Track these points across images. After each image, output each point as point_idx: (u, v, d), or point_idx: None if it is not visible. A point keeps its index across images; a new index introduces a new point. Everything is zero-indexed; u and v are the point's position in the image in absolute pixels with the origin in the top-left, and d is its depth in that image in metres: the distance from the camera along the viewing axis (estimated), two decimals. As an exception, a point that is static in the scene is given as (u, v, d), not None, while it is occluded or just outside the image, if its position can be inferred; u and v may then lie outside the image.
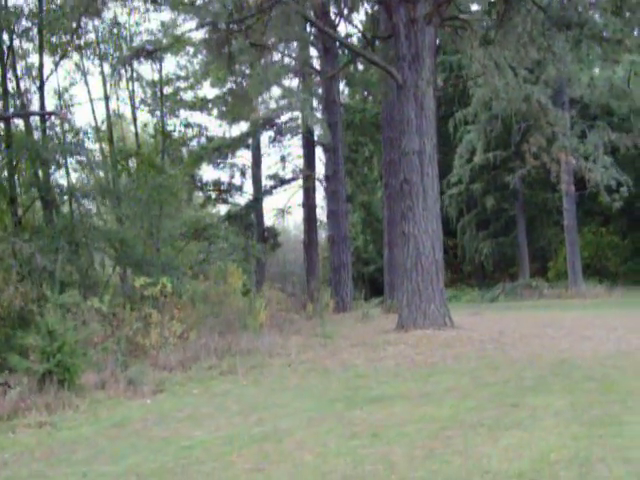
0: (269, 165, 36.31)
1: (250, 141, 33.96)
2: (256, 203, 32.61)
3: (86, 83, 23.62)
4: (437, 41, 15.79)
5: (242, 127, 33.99)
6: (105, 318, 14.67)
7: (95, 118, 25.88)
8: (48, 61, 21.88)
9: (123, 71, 25.41)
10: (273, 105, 26.97)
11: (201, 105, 32.14)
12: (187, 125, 27.55)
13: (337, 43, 24.97)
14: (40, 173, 19.68)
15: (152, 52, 16.41)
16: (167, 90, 30.21)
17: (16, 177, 20.09)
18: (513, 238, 36.79)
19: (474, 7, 18.82)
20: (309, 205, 30.08)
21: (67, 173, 20.75)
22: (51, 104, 24.99)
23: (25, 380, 9.77)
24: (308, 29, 24.24)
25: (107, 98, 25.95)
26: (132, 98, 28.28)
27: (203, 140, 34.65)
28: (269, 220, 36.29)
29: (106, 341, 13.99)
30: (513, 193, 35.88)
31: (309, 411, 7.86)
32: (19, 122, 20.20)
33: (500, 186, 35.48)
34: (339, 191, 25.77)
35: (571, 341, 12.66)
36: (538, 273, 36.86)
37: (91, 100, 26.47)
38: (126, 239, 18.00)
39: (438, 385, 8.97)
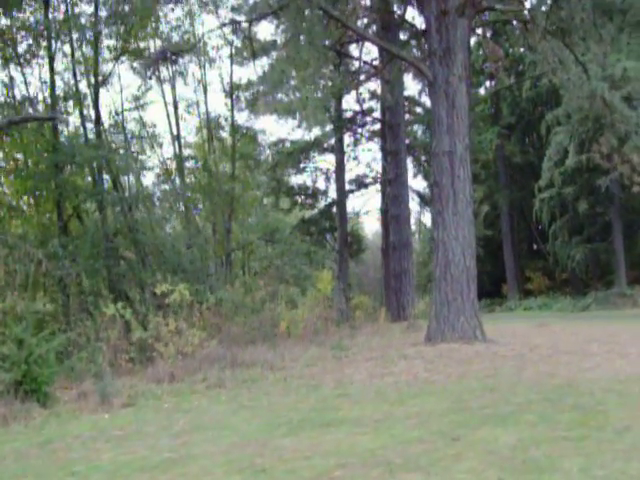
0: (351, 168, 35.63)
1: (331, 144, 33.47)
2: (331, 207, 32.08)
3: (159, 87, 23.95)
4: (471, 35, 14.67)
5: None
6: (126, 324, 14.51)
7: (170, 123, 25.98)
8: (109, 67, 22.06)
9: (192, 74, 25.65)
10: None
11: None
12: (236, 131, 27.24)
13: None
14: (97, 178, 19.88)
15: (174, 54, 16.13)
16: (247, 95, 30.03)
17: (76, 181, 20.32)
18: (608, 244, 34.71)
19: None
20: (386, 210, 29.30)
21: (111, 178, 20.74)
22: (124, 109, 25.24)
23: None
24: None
25: (175, 105, 26.16)
26: (206, 103, 28.44)
27: (287, 145, 34.53)
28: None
29: (123, 348, 13.79)
30: (608, 197, 33.88)
31: (245, 436, 7.19)
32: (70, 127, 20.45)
33: (595, 189, 33.55)
34: (401, 195, 24.78)
35: (604, 360, 11.48)
36: (638, 281, 34.72)
37: (166, 105, 26.73)
38: (166, 245, 17.81)
39: (410, 409, 8.11)
